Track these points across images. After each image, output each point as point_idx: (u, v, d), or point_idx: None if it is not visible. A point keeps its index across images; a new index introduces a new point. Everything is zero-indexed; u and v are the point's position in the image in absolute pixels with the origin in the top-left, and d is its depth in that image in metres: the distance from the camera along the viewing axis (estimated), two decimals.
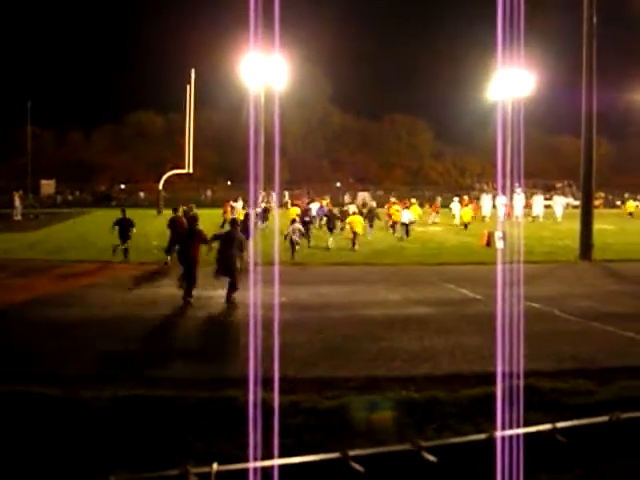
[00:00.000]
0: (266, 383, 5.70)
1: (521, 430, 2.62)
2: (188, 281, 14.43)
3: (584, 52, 23.17)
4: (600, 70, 23.50)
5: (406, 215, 29.89)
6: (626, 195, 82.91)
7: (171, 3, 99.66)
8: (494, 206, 43.36)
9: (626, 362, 9.25)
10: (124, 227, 21.54)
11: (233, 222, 15.91)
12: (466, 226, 36.03)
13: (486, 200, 45.21)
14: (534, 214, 43.60)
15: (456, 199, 42.98)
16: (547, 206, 49.07)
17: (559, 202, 46.97)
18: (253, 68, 47.38)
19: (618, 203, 66.37)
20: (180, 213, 23.13)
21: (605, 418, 2.57)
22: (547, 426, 2.65)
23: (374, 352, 9.82)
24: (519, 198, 40.79)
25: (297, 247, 22.19)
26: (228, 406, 6.93)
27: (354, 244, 24.86)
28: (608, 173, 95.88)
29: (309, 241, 26.16)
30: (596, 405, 7.13)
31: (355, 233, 25.10)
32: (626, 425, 2.73)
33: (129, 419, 6.75)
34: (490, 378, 7.11)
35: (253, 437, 3.61)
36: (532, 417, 5.91)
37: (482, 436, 2.62)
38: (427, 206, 50.41)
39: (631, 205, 54.86)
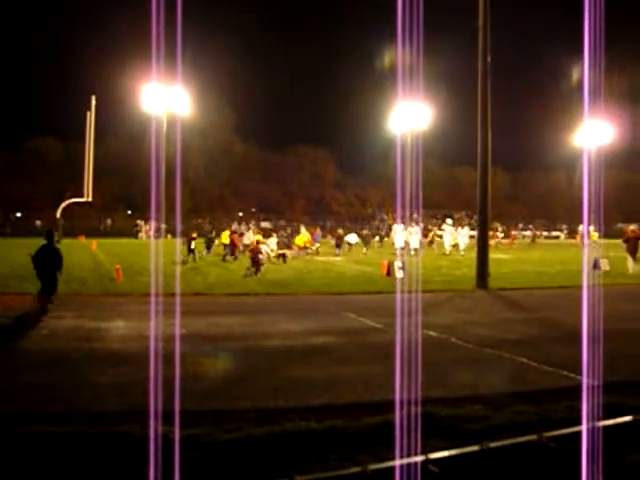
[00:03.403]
0: (164, 417, 5.60)
1: (397, 462, 2.68)
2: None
3: (479, 88, 24.02)
4: (496, 105, 24.42)
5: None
6: (520, 225, 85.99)
7: (71, 28, 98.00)
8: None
9: (519, 387, 9.53)
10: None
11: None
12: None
13: (398, 231, 43.13)
14: (459, 246, 44.40)
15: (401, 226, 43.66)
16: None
17: (462, 233, 47.90)
18: (155, 97, 47.05)
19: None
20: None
21: (476, 447, 2.66)
22: (420, 457, 2.72)
23: (274, 383, 9.77)
24: (415, 230, 41.67)
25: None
26: (124, 442, 6.76)
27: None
28: (503, 203, 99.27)
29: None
30: (491, 430, 7.30)
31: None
32: (495, 454, 2.83)
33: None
34: (390, 406, 7.19)
35: (154, 474, 3.56)
36: (429, 444, 6.02)
37: (356, 469, 2.67)
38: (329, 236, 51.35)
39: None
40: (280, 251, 35.40)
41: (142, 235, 76.19)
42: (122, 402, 8.65)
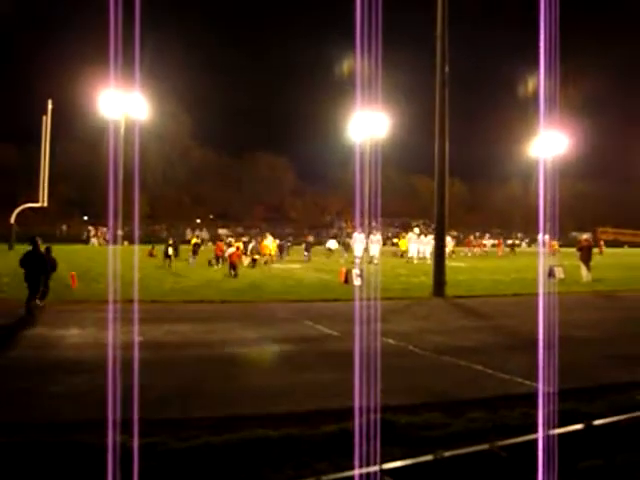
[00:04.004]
0: (121, 426, 5.54)
1: (351, 472, 2.68)
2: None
3: (437, 98, 24.26)
4: (453, 115, 24.69)
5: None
6: (477, 233, 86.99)
7: (26, 32, 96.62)
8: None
9: (476, 394, 9.62)
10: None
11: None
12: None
13: (359, 239, 41.05)
14: (425, 255, 44.22)
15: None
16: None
17: (425, 241, 47.75)
18: (112, 101, 46.64)
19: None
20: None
21: (430, 457, 2.69)
22: (374, 467, 2.73)
23: (231, 391, 9.73)
24: (376, 239, 41.75)
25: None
26: (80, 452, 6.66)
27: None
28: (461, 212, 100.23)
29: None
30: (448, 438, 7.36)
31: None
32: (449, 463, 2.86)
33: None
34: (348, 414, 7.20)
35: None
36: (387, 452, 6.04)
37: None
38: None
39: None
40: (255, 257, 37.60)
41: (94, 241, 75.34)
42: (78, 411, 8.54)
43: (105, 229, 78.15)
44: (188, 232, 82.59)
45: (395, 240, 53.22)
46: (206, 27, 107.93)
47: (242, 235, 59.88)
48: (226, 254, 33.96)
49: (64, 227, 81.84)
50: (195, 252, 39.41)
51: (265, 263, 36.90)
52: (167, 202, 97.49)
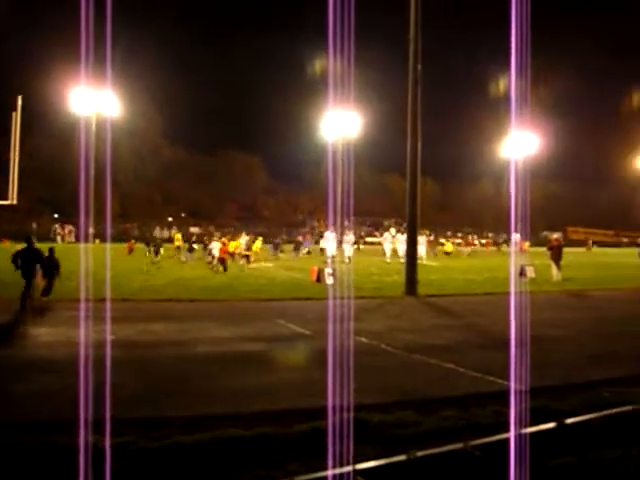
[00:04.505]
0: (93, 425, 5.49)
1: (323, 473, 2.68)
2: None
3: (409, 97, 24.33)
4: (426, 115, 24.79)
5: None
6: (449, 233, 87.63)
7: None
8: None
9: (448, 392, 9.68)
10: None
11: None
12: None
13: (330, 239, 40.06)
14: (400, 253, 43.85)
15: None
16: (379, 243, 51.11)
17: (402, 240, 47.52)
18: (84, 99, 46.26)
19: (442, 241, 69.93)
20: None
21: (403, 457, 2.70)
22: (347, 468, 2.73)
23: (204, 390, 9.70)
24: (349, 238, 41.81)
25: None
26: (52, 452, 6.60)
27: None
28: (433, 212, 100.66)
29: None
30: (421, 436, 7.39)
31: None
32: (422, 462, 2.88)
33: None
34: (322, 413, 7.20)
35: None
36: (361, 451, 6.05)
37: None
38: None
39: (449, 246, 58.55)
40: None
41: (59, 239, 74.58)
42: (50, 410, 8.46)
43: (71, 227, 77.57)
44: (157, 230, 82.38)
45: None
46: (178, 25, 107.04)
47: (224, 234, 59.82)
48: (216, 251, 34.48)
49: (34, 225, 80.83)
50: (191, 249, 40.75)
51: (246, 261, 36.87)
52: (138, 200, 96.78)
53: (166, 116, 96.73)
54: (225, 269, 31.55)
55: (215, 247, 34.36)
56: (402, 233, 47.56)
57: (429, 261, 43.06)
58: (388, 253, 45.50)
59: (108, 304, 14.93)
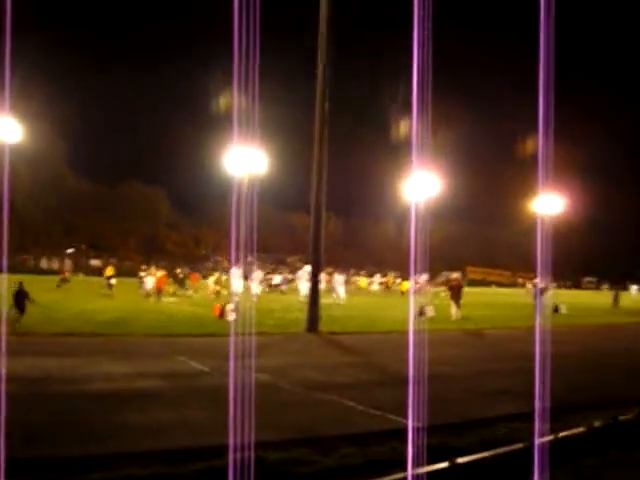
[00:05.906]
0: None
1: None
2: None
3: (316, 135, 24.57)
4: (330, 153, 25.06)
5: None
6: (352, 270, 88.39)
7: None
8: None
9: (347, 430, 9.66)
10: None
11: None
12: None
13: (236, 275, 38.82)
14: (338, 294, 43.17)
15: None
16: (291, 280, 51.09)
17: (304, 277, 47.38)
18: None
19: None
20: None
21: None
22: None
23: (97, 428, 9.36)
24: (256, 275, 41.83)
25: None
26: None
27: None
28: (338, 249, 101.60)
29: None
30: (319, 474, 7.35)
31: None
32: None
33: None
34: (219, 451, 7.07)
35: None
36: None
37: None
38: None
39: (405, 285, 58.59)
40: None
41: None
42: None
43: None
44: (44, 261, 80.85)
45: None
46: (82, 56, 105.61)
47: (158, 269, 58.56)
48: (151, 283, 37.73)
49: None
50: (142, 282, 40.59)
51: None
52: (37, 230, 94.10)
53: (69, 145, 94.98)
54: (159, 299, 34.97)
55: (149, 281, 37.72)
56: (339, 274, 47.65)
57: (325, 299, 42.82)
58: (303, 292, 44.57)
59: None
